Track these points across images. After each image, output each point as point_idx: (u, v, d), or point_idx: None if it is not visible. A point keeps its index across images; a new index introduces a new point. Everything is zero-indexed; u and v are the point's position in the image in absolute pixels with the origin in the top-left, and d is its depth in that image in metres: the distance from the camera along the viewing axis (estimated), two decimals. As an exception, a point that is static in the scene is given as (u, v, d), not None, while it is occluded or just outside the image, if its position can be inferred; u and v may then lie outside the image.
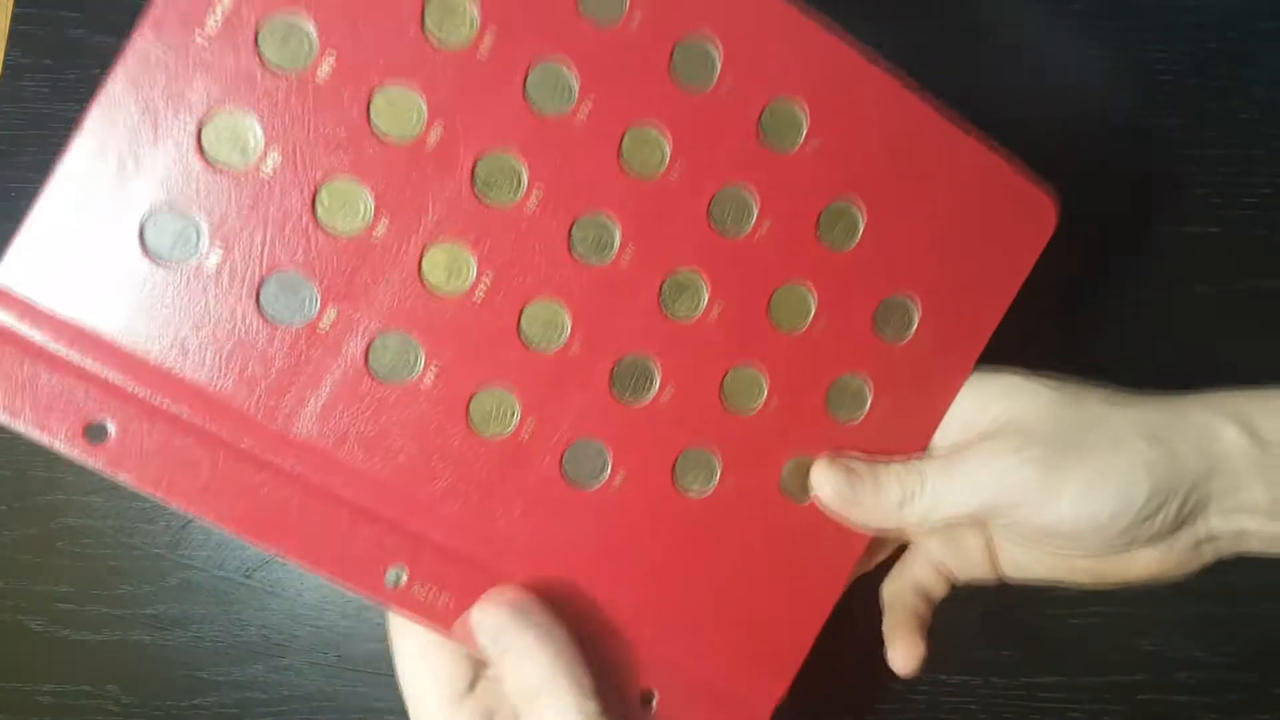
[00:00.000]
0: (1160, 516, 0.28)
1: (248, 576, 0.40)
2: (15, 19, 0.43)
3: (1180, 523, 0.29)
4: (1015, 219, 0.30)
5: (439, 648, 0.28)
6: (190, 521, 0.41)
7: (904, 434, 0.30)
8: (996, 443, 0.29)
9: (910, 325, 0.30)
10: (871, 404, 0.30)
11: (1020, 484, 0.28)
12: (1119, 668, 0.41)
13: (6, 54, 0.42)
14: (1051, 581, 0.32)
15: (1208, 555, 0.30)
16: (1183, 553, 0.30)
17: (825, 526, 0.30)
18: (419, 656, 0.28)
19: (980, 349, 0.31)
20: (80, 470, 0.42)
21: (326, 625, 0.40)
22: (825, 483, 0.29)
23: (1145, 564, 0.30)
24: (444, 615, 0.27)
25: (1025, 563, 0.32)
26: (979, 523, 0.30)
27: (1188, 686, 0.41)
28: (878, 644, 0.41)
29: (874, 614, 0.41)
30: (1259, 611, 0.41)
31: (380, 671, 0.40)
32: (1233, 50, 0.44)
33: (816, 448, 0.30)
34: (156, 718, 0.40)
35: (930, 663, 0.41)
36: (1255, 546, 0.30)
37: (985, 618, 0.41)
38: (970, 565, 0.34)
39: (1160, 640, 0.41)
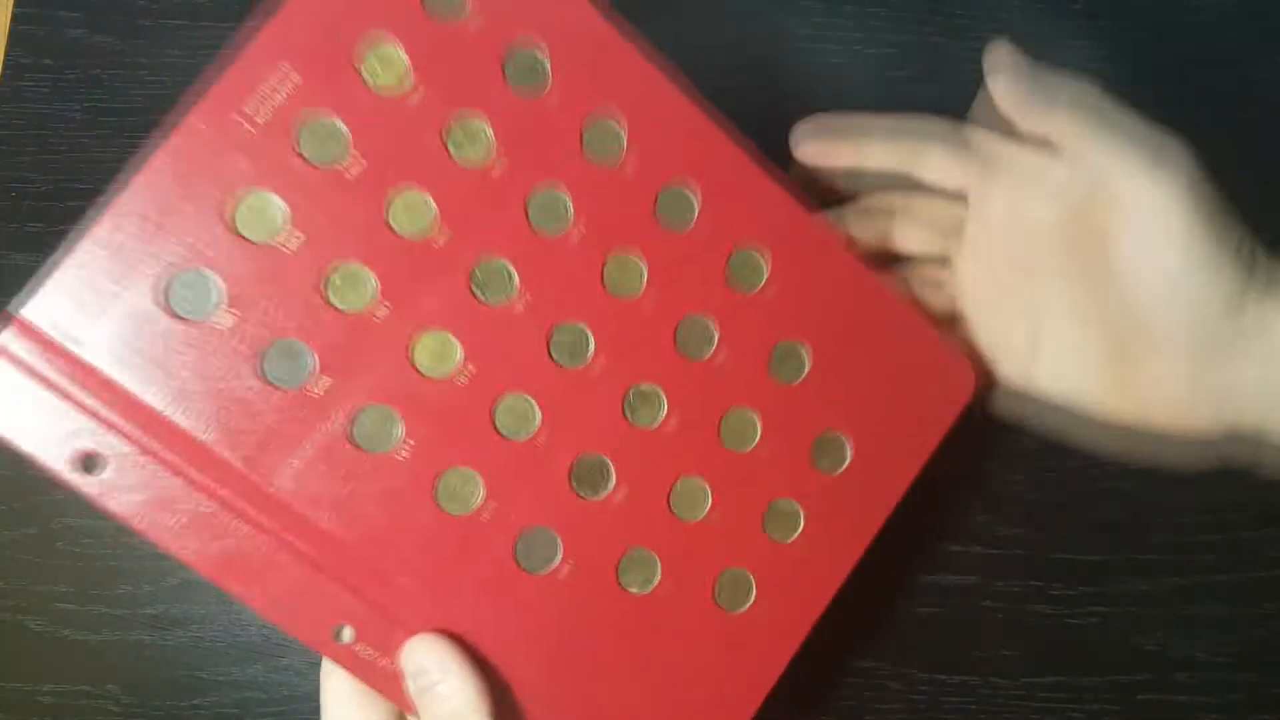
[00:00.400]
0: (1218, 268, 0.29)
1: (248, 576, 0.40)
2: (15, 19, 0.43)
3: (1213, 339, 0.29)
4: (939, 384, 0.34)
5: (369, 694, 0.29)
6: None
7: (826, 561, 0.33)
8: None
9: (843, 461, 0.33)
10: (802, 528, 0.32)
11: (1179, 185, 0.29)
12: (1119, 668, 0.41)
13: (6, 54, 0.42)
14: (1072, 406, 0.33)
15: (1228, 415, 0.30)
16: (1206, 398, 0.30)
17: (752, 639, 0.32)
18: (347, 702, 0.29)
19: (901, 493, 0.33)
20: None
21: (326, 625, 0.40)
22: (1004, 56, 0.32)
23: (1165, 380, 0.30)
24: (383, 677, 0.28)
25: (1064, 358, 0.33)
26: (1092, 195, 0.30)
27: (1188, 686, 0.41)
28: (877, 644, 0.41)
29: (874, 615, 0.41)
30: (1259, 611, 0.41)
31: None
32: (1233, 50, 0.44)
33: (751, 562, 0.32)
34: (156, 718, 0.40)
35: (930, 663, 0.41)
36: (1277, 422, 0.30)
37: (986, 617, 0.41)
38: (1011, 350, 0.35)
39: (1160, 640, 0.41)
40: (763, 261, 0.31)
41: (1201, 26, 0.44)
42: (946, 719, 0.41)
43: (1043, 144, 0.31)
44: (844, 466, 0.33)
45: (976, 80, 0.44)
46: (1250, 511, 0.42)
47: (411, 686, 0.28)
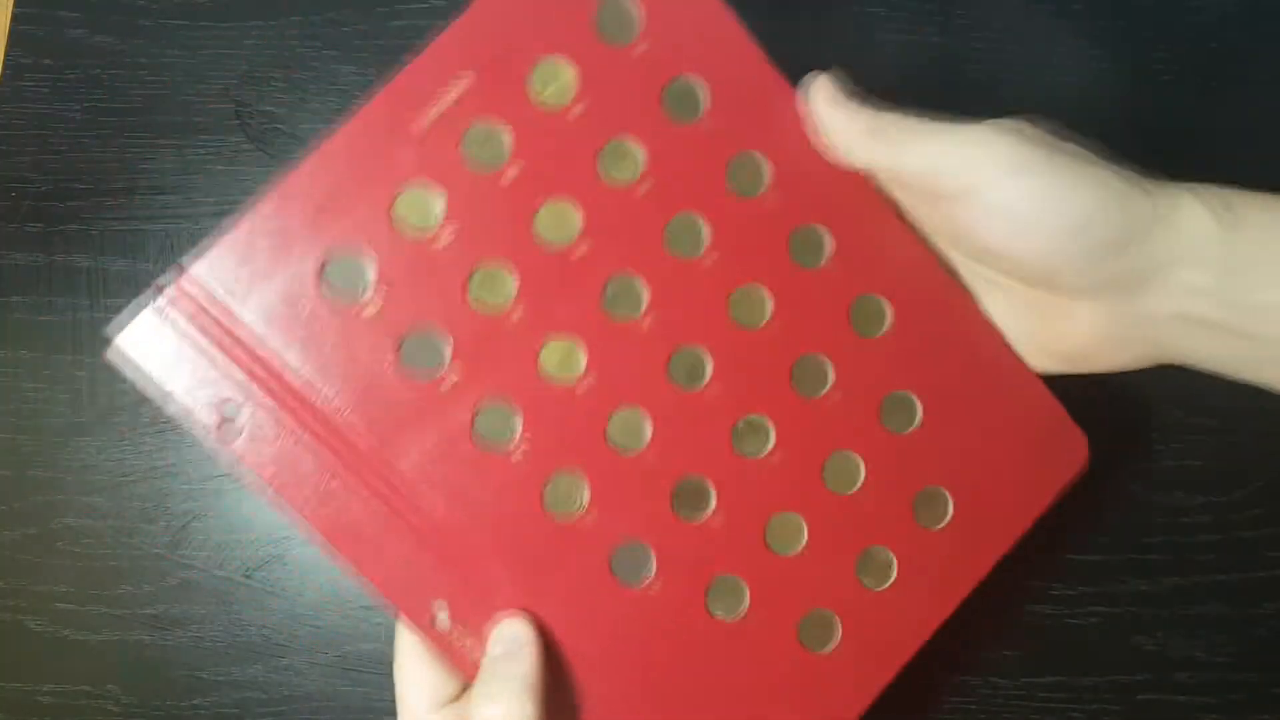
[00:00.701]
0: (1106, 232, 0.28)
1: (248, 576, 0.40)
2: (15, 19, 0.43)
3: (1123, 276, 0.29)
4: (1051, 451, 0.33)
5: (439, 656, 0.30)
6: (190, 521, 0.41)
7: (914, 614, 0.32)
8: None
9: (944, 517, 0.32)
10: (895, 578, 0.32)
11: (998, 154, 0.28)
12: (1119, 668, 0.41)
13: (6, 54, 0.42)
14: None
15: (1154, 349, 0.30)
16: (1127, 325, 0.30)
17: (829, 682, 0.32)
18: (421, 660, 0.30)
19: (999, 556, 0.33)
20: (80, 470, 0.42)
21: (326, 625, 0.40)
22: (824, 85, 0.31)
23: (1088, 326, 0.30)
24: (465, 657, 0.29)
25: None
26: (938, 200, 0.30)
27: (1188, 686, 0.41)
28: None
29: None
30: (1259, 611, 0.41)
31: (380, 671, 0.40)
32: (1233, 50, 0.44)
33: (838, 605, 0.32)
34: (156, 718, 0.40)
35: (930, 663, 0.41)
36: (1203, 348, 0.29)
37: (985, 618, 0.41)
38: None
39: (1160, 640, 0.41)
40: (887, 309, 0.32)
41: (1201, 26, 0.44)
42: (947, 719, 0.41)
43: (881, 163, 0.31)
44: (944, 522, 0.32)
45: (977, 80, 0.44)
46: (1250, 511, 0.42)
47: (490, 652, 0.29)
